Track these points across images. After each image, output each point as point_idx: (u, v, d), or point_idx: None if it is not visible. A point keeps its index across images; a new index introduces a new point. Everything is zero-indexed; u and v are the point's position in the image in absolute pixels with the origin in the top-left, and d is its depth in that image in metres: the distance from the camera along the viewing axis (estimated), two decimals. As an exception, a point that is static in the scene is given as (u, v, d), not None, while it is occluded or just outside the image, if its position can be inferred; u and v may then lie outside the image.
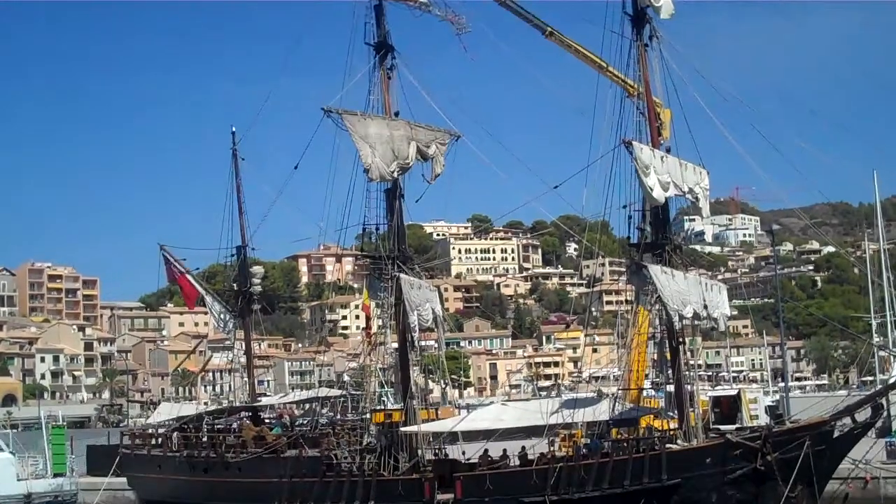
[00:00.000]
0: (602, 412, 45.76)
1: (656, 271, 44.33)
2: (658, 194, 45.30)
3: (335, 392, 63.05)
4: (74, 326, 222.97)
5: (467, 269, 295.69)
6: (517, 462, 45.58)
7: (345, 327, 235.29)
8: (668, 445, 42.77)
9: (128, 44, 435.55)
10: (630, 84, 48.44)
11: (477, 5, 56.97)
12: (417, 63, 52.89)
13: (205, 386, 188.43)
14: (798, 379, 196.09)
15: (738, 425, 56.28)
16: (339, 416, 58.06)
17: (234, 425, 59.76)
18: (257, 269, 63.61)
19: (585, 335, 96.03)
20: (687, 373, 44.83)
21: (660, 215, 46.69)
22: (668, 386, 46.86)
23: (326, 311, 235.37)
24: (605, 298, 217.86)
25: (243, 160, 62.43)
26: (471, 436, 49.50)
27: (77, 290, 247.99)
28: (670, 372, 45.22)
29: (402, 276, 50.32)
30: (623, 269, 51.19)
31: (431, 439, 50.07)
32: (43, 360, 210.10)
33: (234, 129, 62.70)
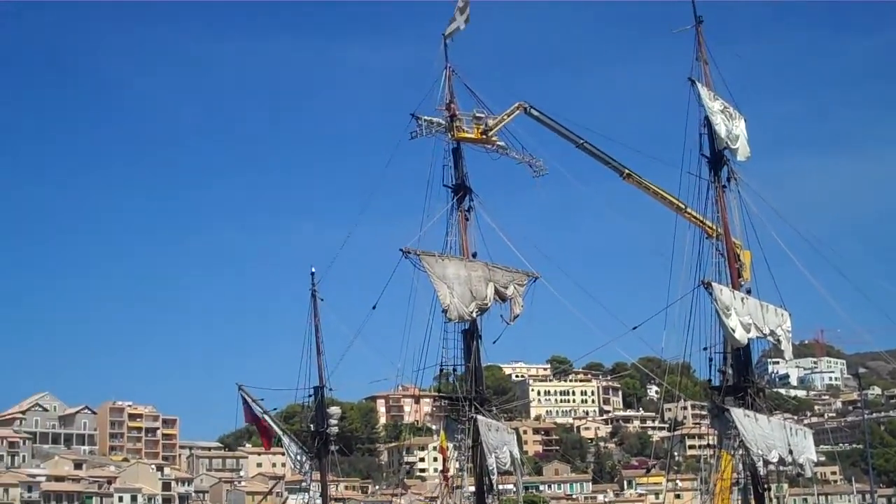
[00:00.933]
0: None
1: (739, 415, 43.69)
2: (740, 336, 45.06)
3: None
4: (153, 466, 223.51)
5: (546, 411, 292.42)
6: None
7: (422, 469, 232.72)
8: None
9: (207, 191, 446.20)
10: (709, 225, 48.63)
11: (554, 148, 58.47)
12: (494, 204, 53.91)
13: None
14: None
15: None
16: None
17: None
18: (334, 410, 63.29)
19: (668, 480, 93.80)
20: (773, 520, 43.69)
21: (741, 357, 46.25)
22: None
23: (404, 453, 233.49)
24: (688, 442, 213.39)
25: (322, 301, 62.69)
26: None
27: (157, 429, 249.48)
28: (756, 519, 44.06)
29: (479, 417, 50.04)
30: (705, 413, 50.70)
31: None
32: (121, 499, 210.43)
33: (313, 269, 63.16)
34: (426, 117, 53.88)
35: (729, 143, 48.76)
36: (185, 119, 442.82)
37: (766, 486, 43.72)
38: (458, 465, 50.72)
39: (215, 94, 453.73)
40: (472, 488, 50.49)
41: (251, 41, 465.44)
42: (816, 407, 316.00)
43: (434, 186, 52.76)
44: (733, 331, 44.53)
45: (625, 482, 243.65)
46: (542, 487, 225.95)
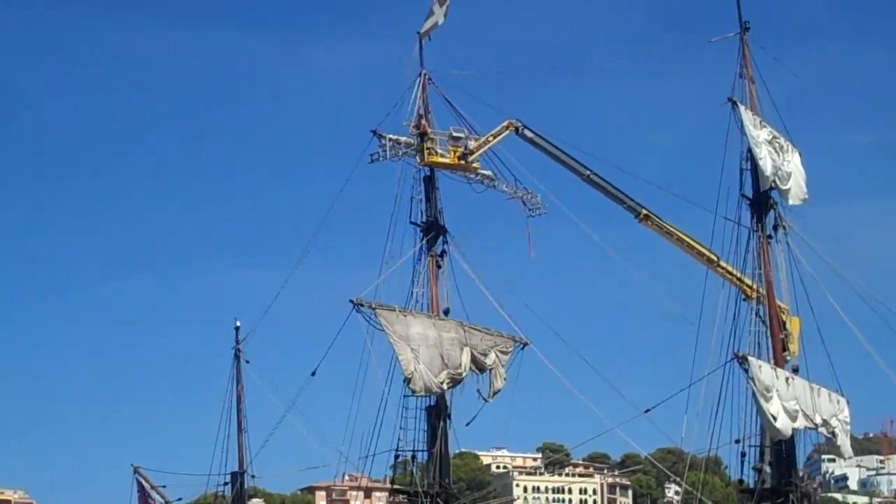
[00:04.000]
0: None
1: (776, 528, 43.76)
2: (782, 425, 45.29)
3: None
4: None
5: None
6: None
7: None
8: None
9: (107, 225, 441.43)
10: (748, 284, 48.89)
11: (553, 180, 58.44)
12: (475, 249, 54.15)
13: None
14: None
15: None
16: None
17: None
18: (256, 503, 62.90)
19: None
20: None
21: (783, 453, 46.48)
22: None
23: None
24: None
25: (247, 363, 63.21)
26: None
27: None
28: None
29: (444, 520, 49.84)
30: (736, 523, 50.36)
31: None
32: None
33: (238, 323, 63.85)
34: (391, 136, 54.09)
35: (777, 181, 49.26)
36: (81, 128, 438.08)
37: None
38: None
39: (120, 97, 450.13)
40: None
41: (173, 30, 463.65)
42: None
43: (398, 223, 53.14)
44: (774, 418, 44.83)
45: None
46: None
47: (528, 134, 56.81)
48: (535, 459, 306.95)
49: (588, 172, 57.00)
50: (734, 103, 48.85)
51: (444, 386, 51.01)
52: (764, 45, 51.21)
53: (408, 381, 50.06)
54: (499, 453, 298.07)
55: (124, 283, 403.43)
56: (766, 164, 48.72)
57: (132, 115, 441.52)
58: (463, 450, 56.74)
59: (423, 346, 50.73)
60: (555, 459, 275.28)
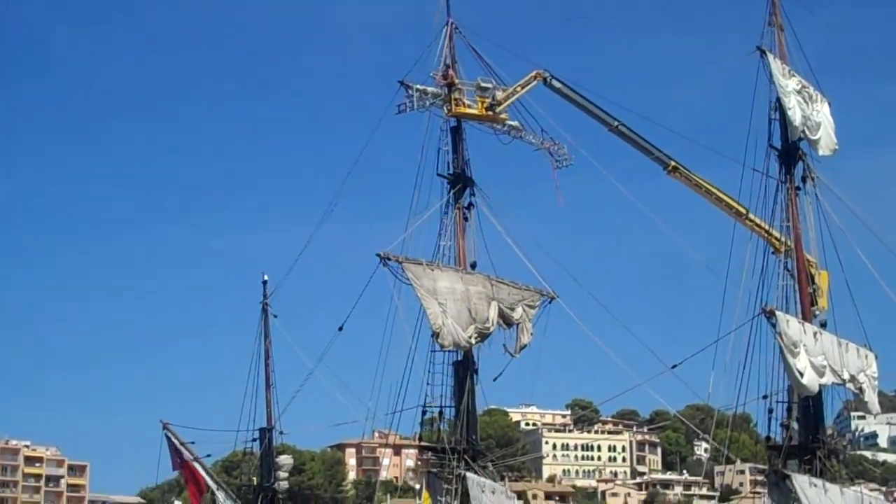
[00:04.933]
0: None
1: (802, 483, 43.80)
2: (809, 381, 45.08)
3: None
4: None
5: (563, 470, 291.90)
6: None
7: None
8: None
9: (135, 178, 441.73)
10: (776, 237, 48.81)
11: (580, 131, 58.17)
12: (502, 201, 53.77)
13: None
14: None
15: None
16: None
17: None
18: (284, 460, 63.06)
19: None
20: None
21: (811, 409, 46.31)
22: None
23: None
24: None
25: (275, 318, 62.63)
26: None
27: (61, 477, 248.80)
28: None
29: (469, 475, 49.86)
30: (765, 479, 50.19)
31: None
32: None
33: (265, 277, 63.10)
34: (418, 86, 53.93)
35: (806, 132, 48.96)
36: (115, 86, 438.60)
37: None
38: (443, 536, 50.34)
39: (147, 48, 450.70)
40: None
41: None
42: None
43: (425, 175, 52.90)
44: (801, 374, 44.62)
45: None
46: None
47: (556, 84, 56.83)
48: (563, 416, 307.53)
49: (616, 123, 57.10)
50: (763, 52, 48.39)
51: (473, 340, 50.87)
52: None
53: (436, 335, 49.90)
54: (528, 410, 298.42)
55: (152, 234, 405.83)
56: (795, 114, 48.35)
57: (160, 66, 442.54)
58: (492, 406, 57.03)
59: (450, 300, 50.63)
60: (583, 416, 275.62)
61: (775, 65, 48.73)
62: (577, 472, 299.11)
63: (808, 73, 50.46)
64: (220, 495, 62.83)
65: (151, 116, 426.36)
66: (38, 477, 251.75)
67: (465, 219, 53.21)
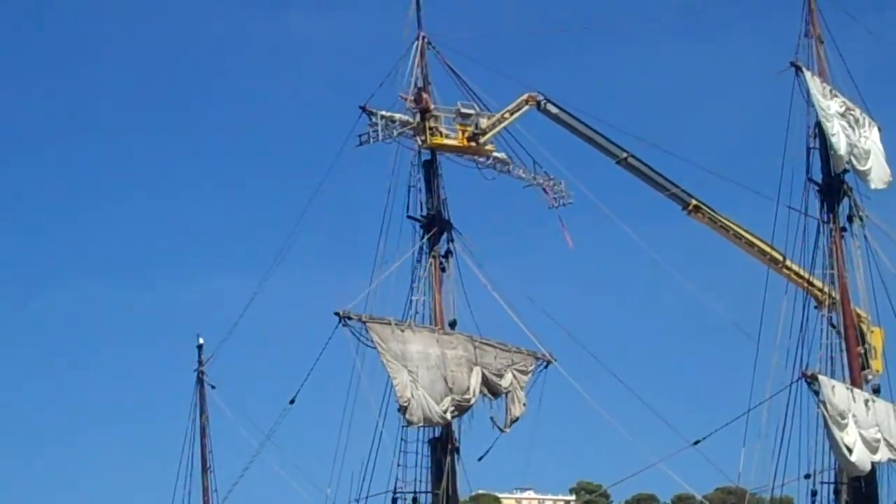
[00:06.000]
0: None
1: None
2: (859, 458, 43.89)
3: None
4: None
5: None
6: None
7: None
8: None
9: (55, 226, 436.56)
10: (818, 288, 47.76)
11: (582, 165, 57.69)
12: (487, 248, 53.30)
13: None
14: None
15: None
16: None
17: None
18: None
19: None
20: None
21: (862, 491, 45.10)
22: None
23: None
24: None
25: (213, 388, 62.33)
26: None
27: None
28: None
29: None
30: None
31: None
32: None
33: (200, 340, 62.44)
34: (384, 112, 52.96)
35: (854, 162, 48.11)
36: (25, 115, 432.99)
37: None
38: None
39: (64, 71, 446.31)
40: None
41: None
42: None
43: (393, 218, 52.27)
44: (849, 450, 43.50)
45: None
46: None
47: (552, 109, 55.64)
48: (567, 502, 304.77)
49: (625, 154, 55.67)
50: (798, 68, 47.38)
51: (448, 415, 49.92)
52: (837, -3, 49.99)
53: (403, 409, 48.89)
54: (524, 495, 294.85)
55: (67, 291, 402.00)
56: (840, 141, 47.30)
57: (80, 90, 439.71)
58: (480, 491, 56.54)
59: (423, 367, 49.73)
60: (591, 502, 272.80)
61: (813, 83, 47.73)
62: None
63: (854, 93, 49.57)
64: None
65: (62, 150, 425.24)
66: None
67: (442, 269, 52.46)
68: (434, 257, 52.22)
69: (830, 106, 47.79)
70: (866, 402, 44.75)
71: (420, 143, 53.14)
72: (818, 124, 47.59)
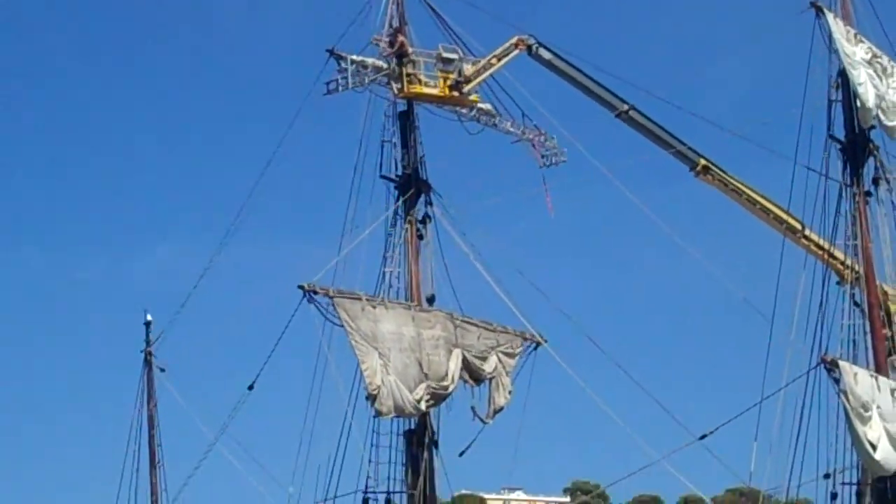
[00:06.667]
0: None
1: None
2: (884, 456, 43.24)
3: None
4: None
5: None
6: None
7: None
8: None
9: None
10: (840, 260, 47.24)
11: (576, 117, 57.25)
12: (471, 213, 52.69)
13: None
14: None
15: None
16: None
17: None
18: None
19: None
20: None
21: (888, 494, 44.52)
22: None
23: None
24: None
25: (163, 371, 61.48)
26: None
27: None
28: None
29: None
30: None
31: None
32: None
33: (148, 317, 61.61)
34: (354, 56, 52.04)
35: (881, 116, 47.39)
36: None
37: None
38: None
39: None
40: None
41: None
42: None
43: (364, 178, 51.69)
44: (873, 447, 42.88)
45: None
46: None
47: (545, 55, 54.76)
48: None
49: (627, 107, 54.83)
50: (819, 9, 46.41)
51: (423, 405, 49.11)
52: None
53: (372, 398, 48.08)
54: (512, 496, 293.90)
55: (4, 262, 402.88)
56: (867, 92, 46.39)
57: (25, 44, 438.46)
58: (463, 491, 55.98)
59: (395, 349, 49.07)
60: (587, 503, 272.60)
61: (837, 27, 46.83)
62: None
63: (882, 39, 48.70)
64: None
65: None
66: None
67: (420, 236, 51.88)
68: (411, 223, 51.71)
69: (856, 52, 47.13)
70: (892, 392, 44.21)
71: (396, 91, 52.42)
72: (841, 73, 46.91)
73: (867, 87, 46.61)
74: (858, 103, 46.65)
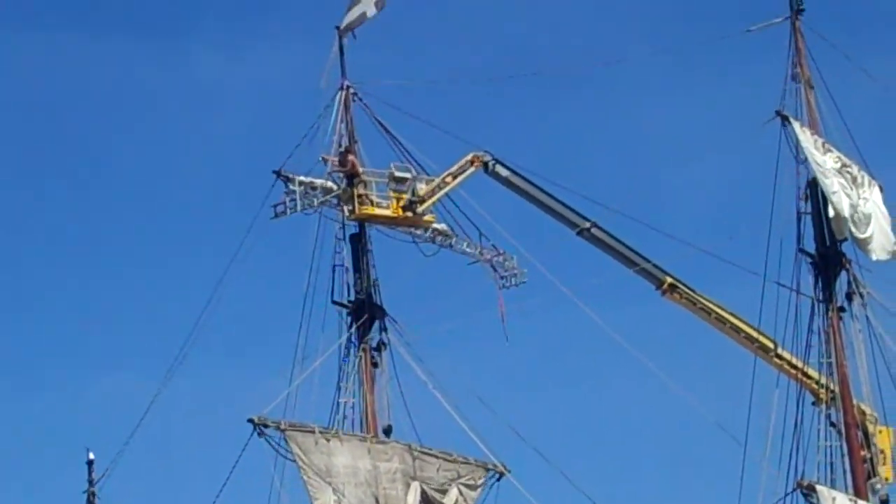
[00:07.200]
0: None
1: None
2: None
3: None
4: None
5: None
6: None
7: None
8: None
9: None
10: (815, 380, 47.51)
11: (537, 238, 57.24)
12: (427, 339, 52.42)
13: None
14: None
15: None
16: None
17: None
18: None
19: None
20: None
21: None
22: None
23: None
24: None
25: None
26: None
27: None
28: None
29: None
30: None
31: None
32: None
33: (91, 455, 60.83)
34: (303, 178, 52.16)
35: (853, 229, 47.81)
36: None
37: None
38: None
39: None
40: None
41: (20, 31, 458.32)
42: None
43: (316, 304, 51.72)
44: None
45: None
46: None
47: (503, 172, 55.24)
48: None
49: (588, 224, 55.19)
50: (784, 119, 47.30)
51: None
52: (826, 33, 50.16)
53: None
54: None
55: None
56: (842, 201, 47.20)
57: None
58: None
59: (350, 483, 48.81)
60: None
61: (804, 135, 47.56)
62: None
63: (851, 148, 49.58)
64: None
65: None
66: None
67: (374, 364, 51.81)
68: (365, 350, 51.62)
69: (826, 161, 47.71)
70: (872, 515, 43.45)
71: (346, 213, 52.62)
72: (810, 184, 47.55)
73: (840, 196, 47.11)
74: (832, 213, 47.14)
